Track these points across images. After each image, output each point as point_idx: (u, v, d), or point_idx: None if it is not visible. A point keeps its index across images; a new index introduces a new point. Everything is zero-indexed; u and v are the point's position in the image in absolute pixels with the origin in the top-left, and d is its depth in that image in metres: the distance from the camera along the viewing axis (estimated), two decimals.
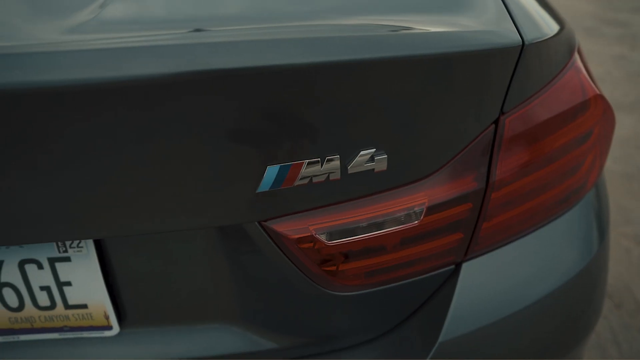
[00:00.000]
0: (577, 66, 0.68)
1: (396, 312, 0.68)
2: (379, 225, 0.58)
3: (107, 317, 0.65)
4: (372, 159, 0.54)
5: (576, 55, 0.69)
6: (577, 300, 0.73)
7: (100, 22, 0.52)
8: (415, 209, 0.58)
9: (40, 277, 0.63)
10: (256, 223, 0.56)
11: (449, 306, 0.64)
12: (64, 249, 0.62)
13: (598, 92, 0.68)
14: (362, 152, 0.53)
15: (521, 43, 0.55)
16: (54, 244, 0.61)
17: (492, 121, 0.59)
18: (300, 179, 0.53)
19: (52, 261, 0.62)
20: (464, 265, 0.66)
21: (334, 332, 0.67)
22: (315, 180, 0.53)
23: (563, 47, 0.66)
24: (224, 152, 0.51)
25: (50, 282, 0.63)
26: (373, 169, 0.54)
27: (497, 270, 0.67)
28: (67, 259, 0.62)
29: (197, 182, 0.52)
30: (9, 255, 0.62)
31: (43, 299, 0.64)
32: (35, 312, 0.65)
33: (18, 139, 0.47)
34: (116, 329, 0.66)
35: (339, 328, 0.67)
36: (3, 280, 0.63)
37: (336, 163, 0.53)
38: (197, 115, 0.48)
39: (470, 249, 0.65)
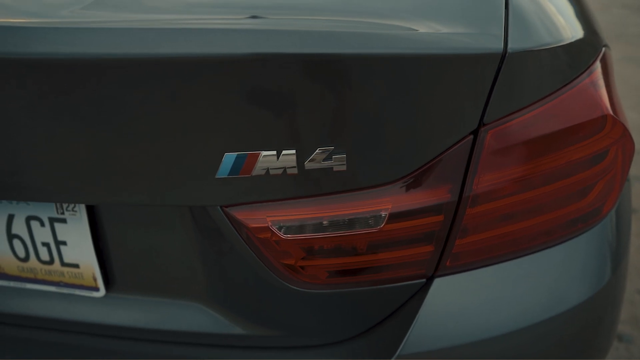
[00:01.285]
0: (594, 80, 0.62)
1: (362, 318, 0.66)
2: (338, 226, 0.58)
3: (95, 279, 0.71)
4: (329, 157, 0.53)
5: (595, 68, 0.63)
6: (570, 338, 0.67)
7: (102, 4, 0.57)
8: (378, 213, 0.57)
9: (42, 234, 0.70)
10: (219, 208, 0.58)
11: (413, 320, 0.62)
12: (61, 210, 0.68)
13: (610, 112, 0.61)
14: (319, 149, 0.53)
15: (502, 51, 0.51)
16: (54, 205, 0.68)
17: (469, 132, 0.56)
18: (257, 169, 0.54)
19: (51, 220, 0.69)
20: (436, 281, 0.63)
21: (297, 328, 0.68)
22: (272, 172, 0.54)
23: (574, 58, 0.60)
24: (188, 135, 0.53)
25: (49, 239, 0.70)
26: (332, 168, 0.54)
27: (474, 290, 0.63)
28: (64, 220, 0.68)
29: (166, 161, 0.56)
30: (18, 210, 0.69)
31: (44, 253, 0.71)
32: (37, 264, 0.72)
33: (34, 110, 0.53)
34: (102, 291, 0.72)
35: (301, 325, 0.67)
36: (13, 232, 0.71)
37: (292, 157, 0.53)
38: (167, 99, 0.52)
39: (441, 264, 0.62)
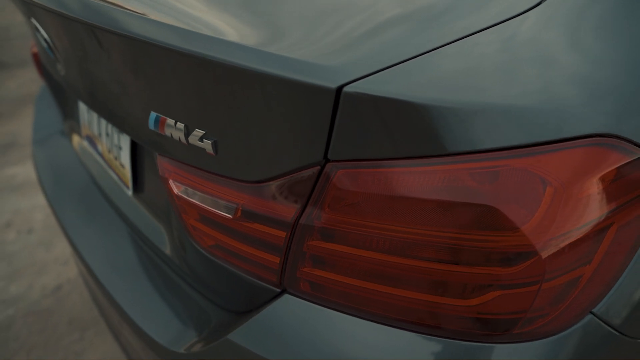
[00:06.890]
0: (528, 169, 0.49)
1: (239, 300, 0.72)
2: (207, 201, 0.65)
3: (129, 180, 0.97)
4: (202, 139, 0.61)
5: (538, 153, 0.49)
6: None
7: None
8: (232, 204, 0.62)
9: (115, 137, 0.99)
10: (156, 153, 0.74)
11: (250, 317, 0.65)
12: None
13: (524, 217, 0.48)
14: (197, 130, 0.62)
15: (335, 88, 0.48)
16: None
17: (314, 163, 0.54)
18: (166, 131, 0.66)
19: (118, 131, 0.97)
20: (285, 296, 0.64)
21: (204, 281, 0.78)
22: (174, 136, 0.66)
23: (512, 130, 0.49)
24: (142, 94, 0.70)
25: (117, 142, 0.99)
26: (205, 149, 0.62)
27: (312, 326, 0.61)
28: (121, 132, 0.96)
29: (135, 110, 0.74)
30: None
31: (115, 151, 1.01)
32: (112, 157, 1.03)
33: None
34: (131, 192, 0.98)
35: (206, 280, 0.78)
36: (107, 131, 1.03)
37: (181, 129, 0.64)
38: (133, 69, 0.69)
39: (285, 279, 0.62)
